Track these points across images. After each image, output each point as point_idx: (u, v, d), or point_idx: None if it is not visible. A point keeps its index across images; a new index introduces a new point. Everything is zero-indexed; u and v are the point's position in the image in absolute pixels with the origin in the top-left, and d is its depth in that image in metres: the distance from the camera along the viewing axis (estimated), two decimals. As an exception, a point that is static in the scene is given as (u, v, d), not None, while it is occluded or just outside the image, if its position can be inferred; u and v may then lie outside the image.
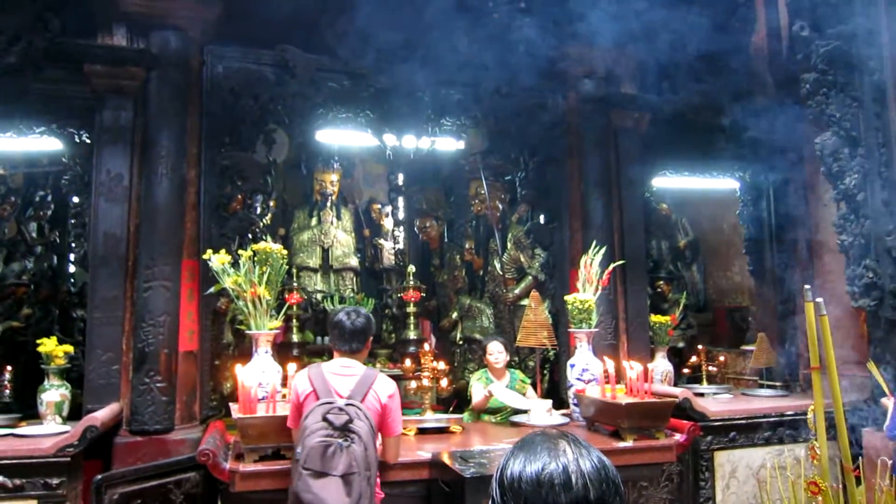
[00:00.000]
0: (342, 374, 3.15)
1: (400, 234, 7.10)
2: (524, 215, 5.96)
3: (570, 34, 4.95)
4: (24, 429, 3.88)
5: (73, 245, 4.61)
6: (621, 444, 3.74)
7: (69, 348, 4.05)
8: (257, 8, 4.45)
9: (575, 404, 4.47)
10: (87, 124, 4.35)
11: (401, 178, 7.15)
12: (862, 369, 4.64)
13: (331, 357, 3.34)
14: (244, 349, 4.49)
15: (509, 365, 4.93)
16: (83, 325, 4.32)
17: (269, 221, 5.62)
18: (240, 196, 4.78)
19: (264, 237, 4.72)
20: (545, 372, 5.32)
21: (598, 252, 4.66)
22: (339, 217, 6.62)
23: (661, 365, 5.40)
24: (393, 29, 4.60)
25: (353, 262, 6.58)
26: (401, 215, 7.15)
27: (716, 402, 5.03)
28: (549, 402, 4.61)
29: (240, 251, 4.01)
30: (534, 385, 4.90)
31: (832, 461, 2.76)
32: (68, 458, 3.53)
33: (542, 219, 5.75)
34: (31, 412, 4.10)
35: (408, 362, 4.86)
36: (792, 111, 5.25)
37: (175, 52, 4.34)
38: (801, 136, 5.40)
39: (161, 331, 4.11)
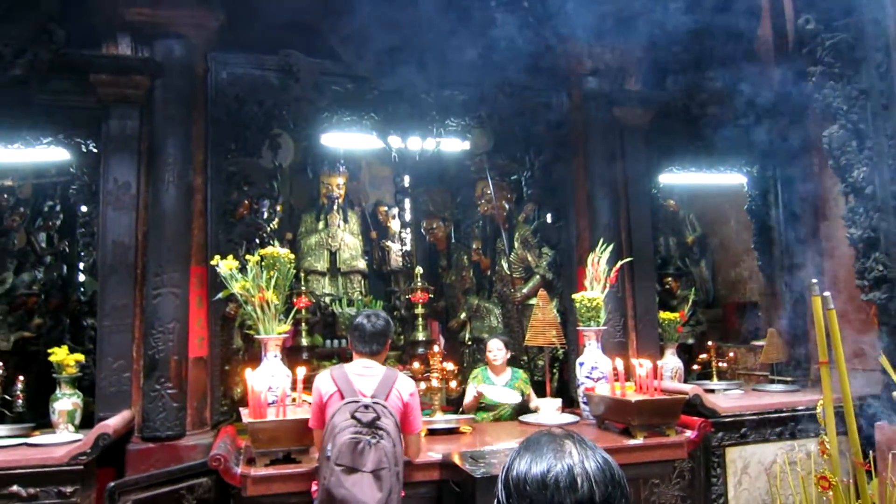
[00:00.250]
0: (364, 374, 3.25)
1: (407, 235, 7.09)
2: (531, 214, 5.95)
3: (572, 31, 4.94)
4: (37, 438, 3.91)
5: (83, 254, 4.63)
6: (632, 442, 3.74)
7: (80, 357, 4.07)
8: (260, 14, 4.45)
9: (585, 402, 4.47)
10: (93, 134, 4.37)
11: (407, 180, 7.14)
12: (873, 363, 4.60)
13: (340, 360, 3.36)
14: (254, 354, 4.51)
15: (517, 364, 4.92)
16: (94, 333, 4.33)
17: (276, 226, 5.61)
18: (246, 201, 4.78)
19: (271, 242, 4.74)
20: (554, 371, 5.31)
21: (605, 249, 4.66)
22: (345, 220, 6.62)
23: (671, 362, 5.39)
24: (395, 31, 4.61)
25: (361, 264, 6.58)
26: (407, 217, 7.14)
27: (726, 399, 5.01)
28: (559, 400, 4.61)
29: (247, 256, 4.03)
30: (543, 384, 4.90)
31: (843, 455, 2.75)
32: (81, 466, 3.56)
33: (548, 217, 5.73)
34: (43, 421, 4.11)
35: (417, 364, 4.87)
36: (798, 104, 5.23)
37: (179, 60, 4.37)
38: (807, 129, 5.38)
39: (171, 337, 4.14)
